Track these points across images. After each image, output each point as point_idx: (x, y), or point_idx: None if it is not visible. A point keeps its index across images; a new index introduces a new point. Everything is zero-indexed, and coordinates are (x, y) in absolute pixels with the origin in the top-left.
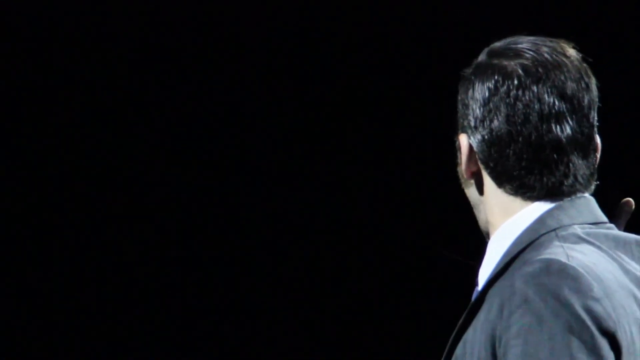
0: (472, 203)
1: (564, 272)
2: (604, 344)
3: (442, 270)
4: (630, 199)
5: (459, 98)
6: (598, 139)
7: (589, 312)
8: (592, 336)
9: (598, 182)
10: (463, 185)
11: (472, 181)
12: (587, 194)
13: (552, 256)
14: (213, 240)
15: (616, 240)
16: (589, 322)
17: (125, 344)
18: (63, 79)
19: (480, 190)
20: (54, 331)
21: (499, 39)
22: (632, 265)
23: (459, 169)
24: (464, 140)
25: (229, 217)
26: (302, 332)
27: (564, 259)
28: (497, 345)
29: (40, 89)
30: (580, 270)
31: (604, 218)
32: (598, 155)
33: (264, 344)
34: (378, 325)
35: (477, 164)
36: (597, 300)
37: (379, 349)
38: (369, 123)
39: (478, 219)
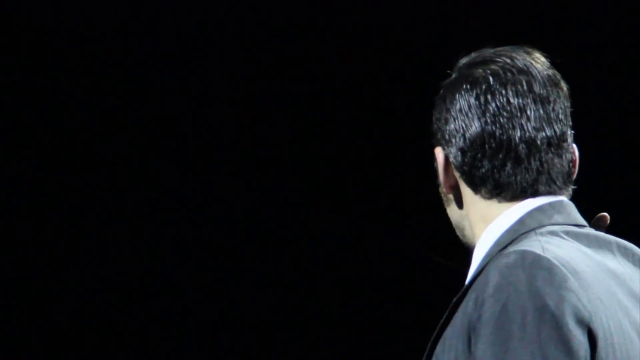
0: (454, 224)
1: (537, 263)
2: (576, 334)
3: (429, 273)
4: (606, 214)
5: (434, 119)
6: (575, 148)
7: (562, 302)
8: (563, 326)
9: (575, 187)
10: (445, 206)
11: (452, 197)
12: (565, 198)
13: (528, 248)
14: (209, 240)
15: (596, 240)
16: (560, 312)
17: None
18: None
19: (460, 203)
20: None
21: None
22: (612, 263)
23: (440, 189)
24: (439, 153)
25: (222, 218)
26: (290, 333)
27: (538, 251)
28: (471, 335)
29: (34, 89)
30: (555, 261)
31: (584, 222)
32: (576, 162)
33: (257, 346)
34: (365, 328)
35: (454, 176)
36: (571, 290)
37: (365, 350)
38: (358, 124)
39: (462, 237)
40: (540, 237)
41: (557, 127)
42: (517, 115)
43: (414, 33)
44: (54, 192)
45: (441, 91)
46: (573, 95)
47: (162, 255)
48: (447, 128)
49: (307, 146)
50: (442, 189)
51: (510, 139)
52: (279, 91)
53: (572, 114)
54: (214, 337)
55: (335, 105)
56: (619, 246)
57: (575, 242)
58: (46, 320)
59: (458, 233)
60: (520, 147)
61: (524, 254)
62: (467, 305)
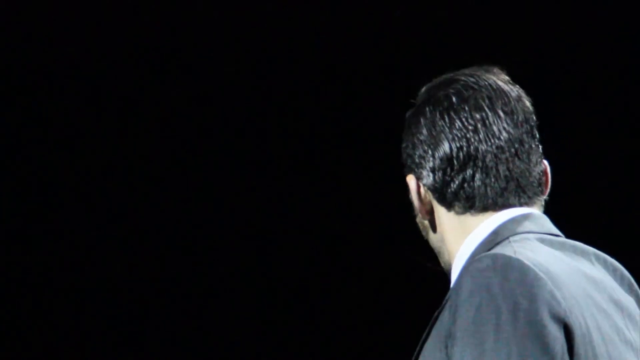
0: (436, 251)
1: (509, 265)
2: (551, 330)
3: (418, 278)
4: None
5: (402, 148)
6: (546, 162)
7: (535, 299)
8: (537, 322)
9: (547, 198)
10: (424, 234)
11: (429, 224)
12: (537, 210)
13: (499, 252)
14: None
15: (573, 248)
16: (534, 309)
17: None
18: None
19: (437, 226)
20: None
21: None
22: (591, 270)
23: (418, 220)
24: (411, 180)
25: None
26: (279, 335)
27: (510, 253)
28: (447, 342)
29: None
30: (527, 262)
31: (559, 232)
32: (548, 174)
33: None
34: (353, 332)
35: (428, 201)
36: (543, 288)
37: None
38: (356, 125)
39: (443, 264)
40: (513, 244)
41: (522, 138)
42: (482, 128)
43: (414, 34)
44: (53, 192)
45: (406, 123)
46: (538, 110)
47: (161, 255)
48: (416, 152)
49: (304, 147)
50: (419, 218)
51: (477, 150)
52: (278, 92)
53: (540, 127)
54: (213, 338)
55: (334, 106)
56: (597, 257)
57: (550, 248)
58: (45, 320)
59: (440, 260)
60: (488, 157)
61: (495, 257)
62: (443, 316)
